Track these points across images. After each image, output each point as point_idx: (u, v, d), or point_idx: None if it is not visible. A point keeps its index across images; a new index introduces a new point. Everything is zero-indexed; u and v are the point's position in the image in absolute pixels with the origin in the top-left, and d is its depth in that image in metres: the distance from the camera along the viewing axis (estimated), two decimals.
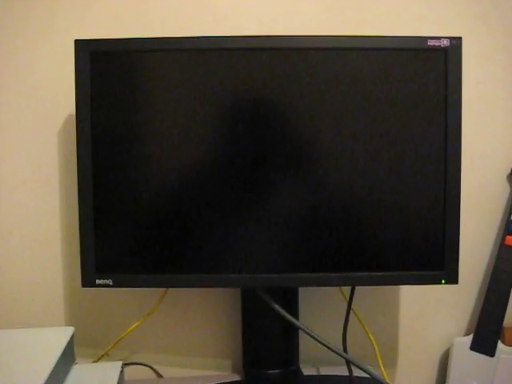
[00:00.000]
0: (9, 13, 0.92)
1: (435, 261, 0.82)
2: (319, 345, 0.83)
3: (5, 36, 0.92)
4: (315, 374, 0.95)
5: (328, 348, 0.82)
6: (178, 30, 0.92)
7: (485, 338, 0.96)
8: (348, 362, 0.84)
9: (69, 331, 0.79)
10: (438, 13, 0.98)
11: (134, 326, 0.94)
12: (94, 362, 0.95)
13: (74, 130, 0.80)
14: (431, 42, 0.79)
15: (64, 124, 0.94)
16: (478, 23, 0.98)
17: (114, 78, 0.80)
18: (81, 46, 0.79)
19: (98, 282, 0.81)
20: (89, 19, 0.93)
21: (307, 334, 0.83)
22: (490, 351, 0.95)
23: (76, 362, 0.81)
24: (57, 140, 0.94)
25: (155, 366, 1.00)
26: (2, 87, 0.93)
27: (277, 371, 0.91)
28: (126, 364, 0.89)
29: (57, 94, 0.93)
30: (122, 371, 0.79)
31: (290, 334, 0.92)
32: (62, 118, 0.93)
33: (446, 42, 0.79)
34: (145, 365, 1.00)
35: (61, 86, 0.92)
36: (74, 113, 0.80)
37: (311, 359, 0.97)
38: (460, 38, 0.79)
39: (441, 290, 1.01)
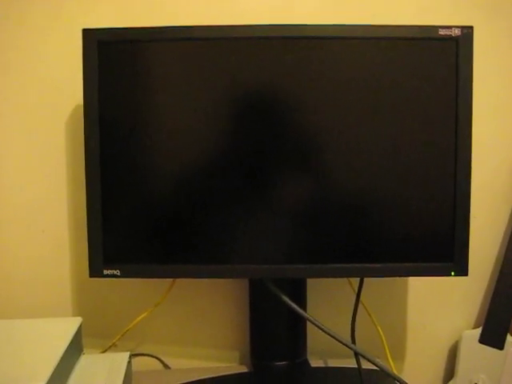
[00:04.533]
0: (16, 2, 0.92)
1: (445, 252, 0.81)
2: (327, 337, 0.82)
3: (12, 25, 0.92)
4: (323, 365, 0.95)
5: (336, 340, 0.82)
6: (185, 19, 0.92)
7: (494, 331, 0.95)
8: (356, 354, 0.84)
9: (76, 322, 0.80)
10: (447, 3, 0.97)
11: (141, 316, 0.94)
12: (102, 352, 0.95)
13: (82, 119, 0.79)
14: (442, 32, 0.78)
15: (72, 114, 0.93)
16: (487, 14, 0.97)
17: (122, 68, 0.79)
18: (88, 35, 0.78)
19: (105, 272, 0.81)
20: (97, 8, 0.93)
21: (315, 325, 0.83)
22: (499, 344, 0.95)
23: (83, 352, 0.81)
24: (64, 130, 0.94)
25: (162, 357, 1.00)
26: (10, 77, 0.93)
27: (284, 363, 0.91)
28: (133, 355, 0.89)
29: (64, 83, 0.93)
30: (129, 362, 0.80)
31: (298, 325, 0.91)
32: (69, 107, 0.93)
33: (457, 32, 0.78)
34: (152, 356, 1.00)
35: (68, 75, 0.91)
36: (82, 102, 0.79)
37: (319, 351, 0.96)
38: (471, 28, 0.78)
39: (449, 283, 1.01)
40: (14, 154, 0.94)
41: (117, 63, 0.79)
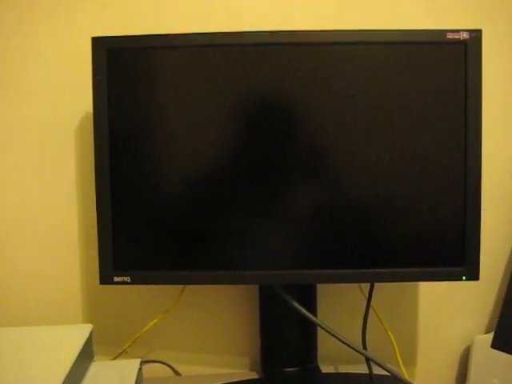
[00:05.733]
0: (25, 11, 0.92)
1: (456, 257, 0.81)
2: (338, 342, 0.82)
3: (21, 34, 0.93)
4: (334, 371, 0.94)
5: (347, 345, 0.81)
6: (193, 26, 0.92)
7: (506, 336, 0.94)
8: (368, 360, 0.83)
9: (87, 329, 0.80)
10: (455, 6, 0.97)
11: (151, 323, 0.94)
12: (112, 359, 0.95)
13: (92, 127, 0.80)
14: (450, 35, 0.78)
15: (81, 121, 0.94)
16: (493, 17, 0.97)
17: (131, 75, 0.80)
18: (98, 42, 0.79)
19: (115, 279, 0.81)
20: (105, 16, 0.93)
21: (326, 331, 0.82)
22: (511, 349, 0.94)
23: (94, 359, 0.81)
24: (74, 137, 0.94)
25: (173, 364, 1.00)
26: (19, 85, 0.94)
27: (295, 369, 0.91)
28: (144, 362, 0.89)
29: (74, 91, 0.93)
30: (140, 369, 0.79)
31: (309, 331, 0.91)
32: (79, 115, 0.93)
33: (465, 35, 0.78)
34: (163, 362, 1.00)
35: (78, 83, 0.92)
36: (91, 110, 0.80)
37: (330, 357, 0.96)
38: (480, 31, 0.78)
39: (460, 287, 1.00)
40: (24, 160, 0.95)
41: (126, 71, 0.80)
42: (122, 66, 0.80)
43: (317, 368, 0.93)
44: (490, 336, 0.96)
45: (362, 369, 0.86)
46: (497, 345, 0.95)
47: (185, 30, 0.81)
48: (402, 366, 0.95)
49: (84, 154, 0.94)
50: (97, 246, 0.81)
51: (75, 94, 0.93)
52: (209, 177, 0.81)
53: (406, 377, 0.93)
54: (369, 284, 0.89)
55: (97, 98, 0.79)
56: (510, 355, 0.94)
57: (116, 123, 0.80)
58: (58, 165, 0.95)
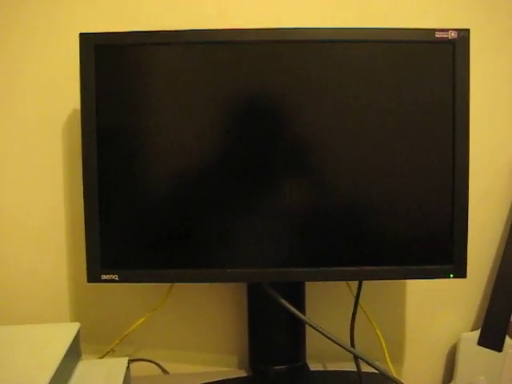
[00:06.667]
0: (12, 7, 0.91)
1: (443, 255, 0.81)
2: (326, 340, 0.82)
3: (9, 30, 0.92)
4: (322, 369, 0.95)
5: (336, 343, 0.82)
6: (182, 23, 0.91)
7: (492, 333, 0.95)
8: (356, 358, 0.84)
9: (74, 327, 0.79)
10: (443, 6, 0.97)
11: (139, 321, 0.94)
12: (100, 358, 0.94)
13: (79, 124, 0.79)
14: (439, 34, 0.79)
15: (69, 118, 0.93)
16: (484, 17, 0.98)
17: (119, 72, 0.79)
18: (86, 39, 0.78)
19: (103, 277, 0.81)
20: (93, 12, 0.93)
21: (315, 328, 0.83)
22: (497, 346, 0.95)
23: (82, 358, 0.81)
24: (61, 134, 0.94)
25: (161, 362, 1.00)
26: (6, 81, 0.93)
27: (283, 367, 0.91)
28: (131, 360, 0.89)
29: (61, 88, 0.92)
30: (127, 367, 0.79)
31: (297, 329, 0.91)
32: (66, 112, 0.93)
33: (453, 34, 0.79)
34: (151, 361, 0.99)
35: (65, 80, 0.91)
36: (79, 107, 0.79)
37: (318, 355, 0.96)
38: (468, 30, 0.79)
39: (448, 285, 1.01)
40: (10, 160, 0.94)
41: (114, 67, 0.79)
42: (110, 62, 0.79)
43: (305, 366, 0.93)
44: (477, 333, 0.97)
45: (350, 366, 0.86)
46: (483, 342, 0.96)
47: (173, 27, 0.81)
48: (389, 364, 0.95)
49: (71, 151, 0.94)
50: (84, 244, 0.81)
51: (63, 91, 0.92)
52: (196, 175, 0.80)
53: (394, 374, 0.93)
54: (357, 282, 0.89)
55: (84, 95, 0.79)
56: (496, 352, 0.95)
57: (104, 120, 0.79)
58: (45, 163, 0.94)
